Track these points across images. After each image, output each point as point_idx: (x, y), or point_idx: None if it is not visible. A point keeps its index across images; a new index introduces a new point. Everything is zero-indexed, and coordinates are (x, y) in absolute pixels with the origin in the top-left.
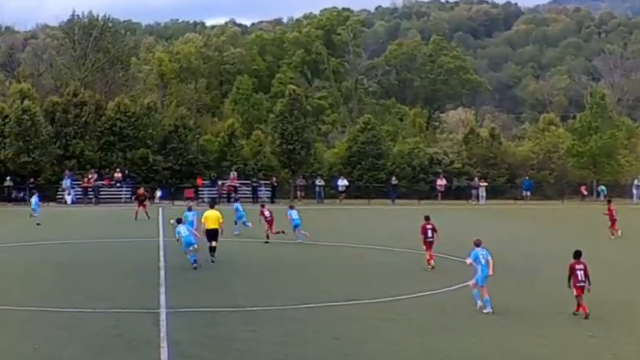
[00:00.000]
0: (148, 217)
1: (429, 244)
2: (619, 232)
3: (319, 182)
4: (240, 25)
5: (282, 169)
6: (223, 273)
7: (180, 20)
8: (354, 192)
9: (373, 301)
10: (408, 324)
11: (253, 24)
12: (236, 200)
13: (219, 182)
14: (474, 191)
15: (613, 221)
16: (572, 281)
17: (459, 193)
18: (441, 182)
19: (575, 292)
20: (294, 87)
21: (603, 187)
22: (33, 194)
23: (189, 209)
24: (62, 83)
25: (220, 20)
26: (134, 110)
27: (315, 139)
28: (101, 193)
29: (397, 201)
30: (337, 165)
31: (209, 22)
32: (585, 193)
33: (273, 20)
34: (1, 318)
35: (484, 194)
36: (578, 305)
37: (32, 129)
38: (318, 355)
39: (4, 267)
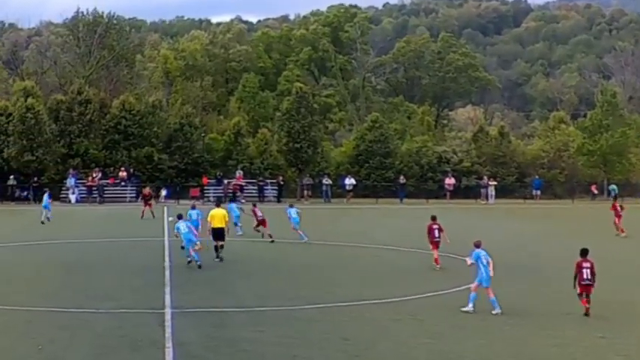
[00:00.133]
0: (153, 217)
1: (435, 244)
2: (624, 233)
3: (326, 181)
4: (246, 22)
5: (289, 168)
6: (230, 273)
7: (186, 17)
8: (361, 191)
9: (382, 301)
10: (417, 324)
11: (259, 21)
12: (232, 200)
13: (225, 181)
14: (483, 190)
15: (618, 216)
16: (577, 279)
17: (467, 192)
18: (450, 181)
19: (578, 290)
20: (301, 85)
21: (614, 186)
22: (44, 192)
23: (193, 207)
24: (66, 81)
25: (226, 17)
26: (139, 108)
27: (322, 138)
28: (106, 192)
29: (405, 200)
30: (344, 164)
31: (215, 19)
32: (596, 192)
33: (280, 17)
34: (4, 318)
35: (493, 193)
36: (587, 302)
37: (36, 127)
38: (327, 356)
39: (7, 267)
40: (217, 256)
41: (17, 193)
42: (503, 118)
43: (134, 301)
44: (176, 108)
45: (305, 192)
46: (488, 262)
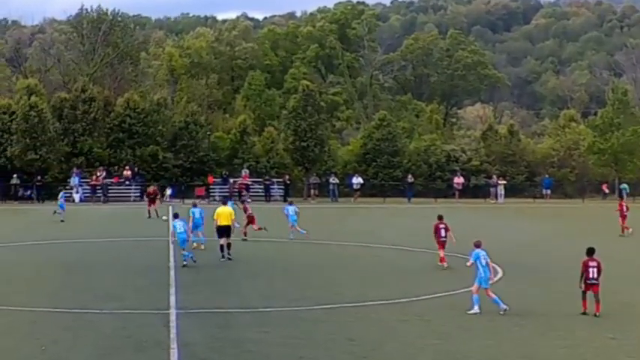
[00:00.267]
0: (158, 216)
1: (441, 244)
2: (630, 230)
3: (333, 180)
4: (252, 20)
5: (295, 167)
6: (235, 273)
7: (191, 14)
8: (369, 190)
9: (389, 302)
10: (424, 325)
11: (266, 18)
12: (228, 200)
13: (231, 180)
14: (492, 189)
15: (623, 217)
16: (583, 278)
17: (476, 191)
18: (459, 180)
19: (582, 288)
20: (308, 82)
21: (625, 186)
22: (60, 191)
23: (194, 206)
24: (70, 79)
25: (232, 14)
26: (144, 106)
27: (329, 136)
28: (110, 191)
29: (413, 199)
30: (352, 162)
31: (220, 16)
32: (607, 191)
33: (286, 14)
34: (7, 319)
35: (503, 192)
36: (584, 301)
37: (39, 126)
38: (333, 357)
39: (10, 267)
40: (223, 256)
41: (20, 192)
42: (513, 116)
43: (139, 302)
44: (181, 106)
45: (312, 191)
46: (487, 263)
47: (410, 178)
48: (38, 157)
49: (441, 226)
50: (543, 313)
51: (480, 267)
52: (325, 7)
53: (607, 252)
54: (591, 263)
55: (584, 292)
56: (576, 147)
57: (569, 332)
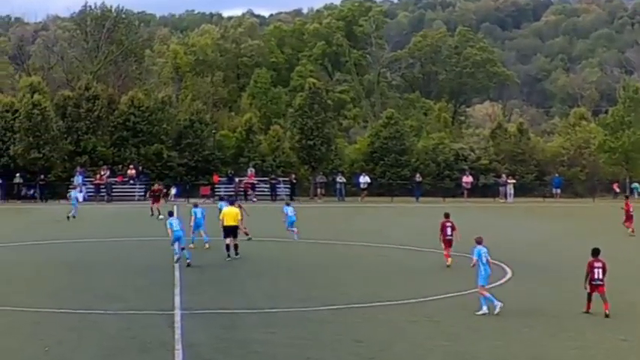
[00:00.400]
0: (159, 214)
1: (447, 243)
2: (630, 230)
3: (340, 179)
4: (258, 16)
5: (302, 166)
6: (240, 273)
7: (196, 11)
8: (376, 189)
9: (397, 302)
10: (433, 326)
11: (272, 15)
12: (221, 199)
13: (237, 179)
14: (501, 189)
15: (629, 217)
16: (588, 279)
17: (485, 190)
18: (467, 179)
19: (588, 290)
20: (314, 80)
21: (637, 185)
22: (71, 190)
23: (196, 206)
24: (74, 76)
25: (237, 11)
26: (148, 104)
27: (336, 135)
28: (114, 190)
29: (421, 199)
30: (359, 161)
31: (226, 13)
32: (618, 190)
33: (293, 11)
34: (10, 319)
35: (512, 192)
36: (589, 302)
37: (43, 124)
38: (340, 358)
39: (13, 267)
40: (229, 255)
41: (23, 192)
42: (522, 114)
43: (143, 302)
44: (186, 104)
45: (318, 190)
46: (487, 261)
47: (418, 177)
48: (41, 155)
49: (448, 224)
50: (553, 313)
51: (480, 265)
52: (332, 3)
53: (618, 252)
54: (596, 264)
55: (589, 294)
56: (587, 146)
57: (580, 333)
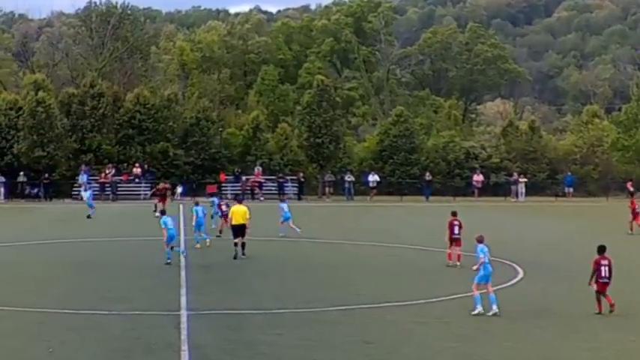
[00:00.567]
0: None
1: (454, 241)
2: (631, 230)
3: (349, 178)
4: (265, 13)
5: (310, 164)
6: (247, 273)
7: (203, 7)
8: (385, 188)
9: (407, 303)
10: (442, 327)
11: (279, 11)
12: (214, 196)
13: (244, 178)
14: (512, 187)
15: (635, 215)
16: (594, 277)
17: (496, 189)
18: (478, 178)
19: (595, 288)
20: (323, 77)
21: None
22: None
23: (197, 204)
24: (78, 74)
25: (244, 7)
26: (154, 102)
27: (345, 133)
28: (119, 189)
29: (431, 198)
30: (368, 160)
31: (233, 10)
32: (632, 189)
33: (301, 7)
34: (14, 320)
35: (523, 190)
36: (599, 302)
37: (47, 122)
38: None
39: (17, 267)
40: (235, 255)
41: (27, 190)
42: (534, 112)
43: (148, 303)
44: (192, 102)
45: (326, 189)
46: (489, 259)
47: (428, 176)
48: (45, 154)
49: (455, 222)
50: (565, 313)
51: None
52: None
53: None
54: (603, 262)
55: (597, 293)
56: (600, 144)
57: (592, 335)
